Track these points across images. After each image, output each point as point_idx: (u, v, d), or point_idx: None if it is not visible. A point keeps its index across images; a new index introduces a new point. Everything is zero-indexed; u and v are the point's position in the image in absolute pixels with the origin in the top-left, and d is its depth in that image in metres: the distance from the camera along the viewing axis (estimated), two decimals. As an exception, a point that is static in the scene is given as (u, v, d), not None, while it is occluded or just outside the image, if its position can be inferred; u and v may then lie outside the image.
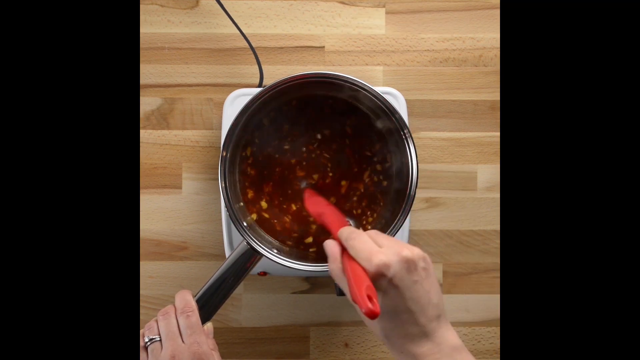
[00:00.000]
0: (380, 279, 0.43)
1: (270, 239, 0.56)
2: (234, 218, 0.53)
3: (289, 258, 0.54)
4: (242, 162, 0.57)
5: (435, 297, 0.44)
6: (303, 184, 0.57)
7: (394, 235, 0.53)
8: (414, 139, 0.53)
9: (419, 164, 0.53)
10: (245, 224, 0.54)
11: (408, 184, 0.53)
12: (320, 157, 0.57)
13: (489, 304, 0.66)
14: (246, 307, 0.66)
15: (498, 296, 0.66)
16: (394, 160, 0.56)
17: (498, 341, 0.66)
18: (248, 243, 0.53)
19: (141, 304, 0.65)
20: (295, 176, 0.57)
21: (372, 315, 0.40)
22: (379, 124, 0.56)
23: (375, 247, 0.44)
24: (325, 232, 0.55)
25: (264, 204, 0.57)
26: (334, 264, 0.46)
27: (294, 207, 0.57)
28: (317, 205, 0.54)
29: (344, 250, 0.47)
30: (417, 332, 0.43)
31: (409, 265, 0.43)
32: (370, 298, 0.41)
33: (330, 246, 0.48)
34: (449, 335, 0.44)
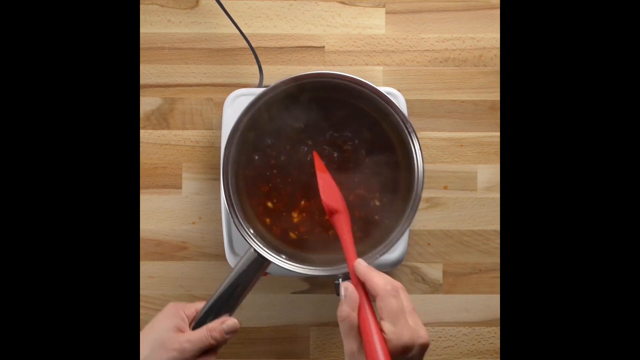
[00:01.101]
0: (400, 357, 0.43)
1: (275, 241, 0.56)
2: (239, 225, 0.53)
3: (293, 261, 0.53)
4: (244, 162, 0.56)
5: None
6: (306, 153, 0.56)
7: (401, 235, 0.53)
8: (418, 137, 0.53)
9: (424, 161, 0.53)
10: (251, 231, 0.54)
11: (414, 180, 0.53)
12: (325, 158, 0.57)
13: (489, 304, 0.66)
14: (246, 307, 0.66)
15: (498, 296, 0.66)
16: (398, 158, 0.56)
17: (498, 341, 0.66)
18: (255, 250, 0.53)
19: (141, 304, 0.65)
20: (300, 181, 0.57)
21: None
22: (383, 124, 0.56)
23: (405, 317, 0.43)
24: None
25: (269, 205, 0.57)
26: (352, 313, 0.45)
27: (295, 217, 0.57)
28: (332, 200, 0.52)
29: (361, 293, 0.46)
30: None
31: (423, 351, 0.44)
32: None
33: (350, 291, 0.46)
34: None
